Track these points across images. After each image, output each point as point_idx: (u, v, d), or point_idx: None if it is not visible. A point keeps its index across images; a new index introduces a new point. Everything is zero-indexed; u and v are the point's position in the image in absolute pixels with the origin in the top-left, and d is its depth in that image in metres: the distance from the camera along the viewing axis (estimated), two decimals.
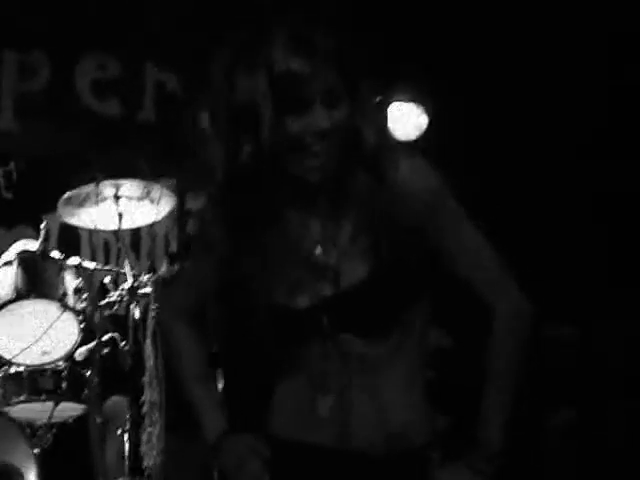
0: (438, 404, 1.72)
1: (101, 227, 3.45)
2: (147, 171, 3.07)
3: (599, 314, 4.05)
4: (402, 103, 4.24)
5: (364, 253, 1.55)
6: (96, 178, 3.30)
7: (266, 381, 1.70)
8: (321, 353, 1.58)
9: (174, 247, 4.15)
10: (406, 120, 4.27)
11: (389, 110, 4.23)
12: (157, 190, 3.36)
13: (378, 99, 4.17)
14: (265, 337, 1.62)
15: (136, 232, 4.13)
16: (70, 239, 4.07)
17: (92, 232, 4.05)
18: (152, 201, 3.35)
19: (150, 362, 2.96)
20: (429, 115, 4.26)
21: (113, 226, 3.41)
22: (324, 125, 1.49)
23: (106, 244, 4.23)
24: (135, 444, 3.16)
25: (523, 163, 4.18)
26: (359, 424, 1.59)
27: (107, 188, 3.33)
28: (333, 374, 1.59)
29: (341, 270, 1.57)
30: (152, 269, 4.06)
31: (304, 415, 1.62)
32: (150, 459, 3.00)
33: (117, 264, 3.94)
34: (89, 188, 3.33)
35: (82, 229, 3.98)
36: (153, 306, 3.09)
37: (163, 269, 3.35)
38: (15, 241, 3.53)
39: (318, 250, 1.59)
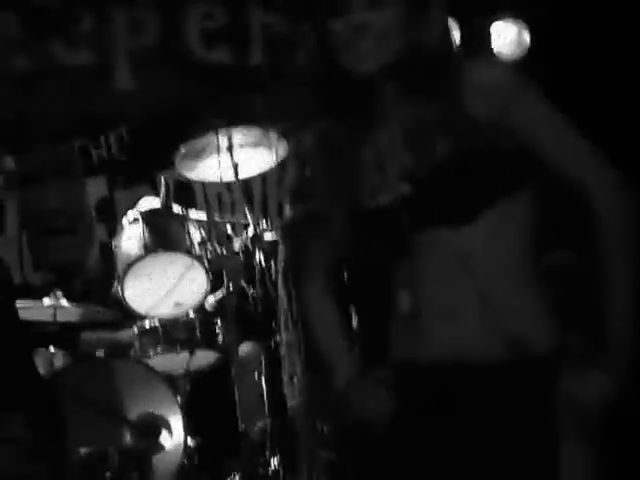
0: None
1: (219, 179, 3.47)
2: (261, 117, 3.07)
3: None
4: (504, 22, 4.11)
5: (436, 146, 1.56)
6: (211, 128, 3.32)
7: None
8: (412, 253, 1.58)
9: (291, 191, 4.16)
10: (508, 38, 4.14)
11: (491, 29, 4.11)
12: (272, 135, 3.36)
13: (477, 18, 4.07)
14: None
15: (249, 181, 4.15)
16: (186, 193, 4.13)
17: (207, 185, 4.10)
18: (268, 147, 3.36)
19: (283, 305, 3.00)
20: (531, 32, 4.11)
21: (230, 177, 3.44)
22: (360, 19, 1.56)
23: (220, 195, 4.27)
24: (273, 386, 3.23)
25: None
26: (466, 328, 1.54)
27: (222, 137, 3.34)
28: (427, 271, 1.57)
29: (416, 166, 1.58)
30: (270, 216, 4.09)
31: (412, 331, 1.60)
32: (292, 399, 3.06)
33: (235, 214, 3.98)
34: (205, 140, 3.36)
35: (197, 182, 4.03)
36: (281, 248, 3.12)
37: (286, 213, 3.37)
38: (136, 201, 3.62)
39: (391, 152, 1.60)
